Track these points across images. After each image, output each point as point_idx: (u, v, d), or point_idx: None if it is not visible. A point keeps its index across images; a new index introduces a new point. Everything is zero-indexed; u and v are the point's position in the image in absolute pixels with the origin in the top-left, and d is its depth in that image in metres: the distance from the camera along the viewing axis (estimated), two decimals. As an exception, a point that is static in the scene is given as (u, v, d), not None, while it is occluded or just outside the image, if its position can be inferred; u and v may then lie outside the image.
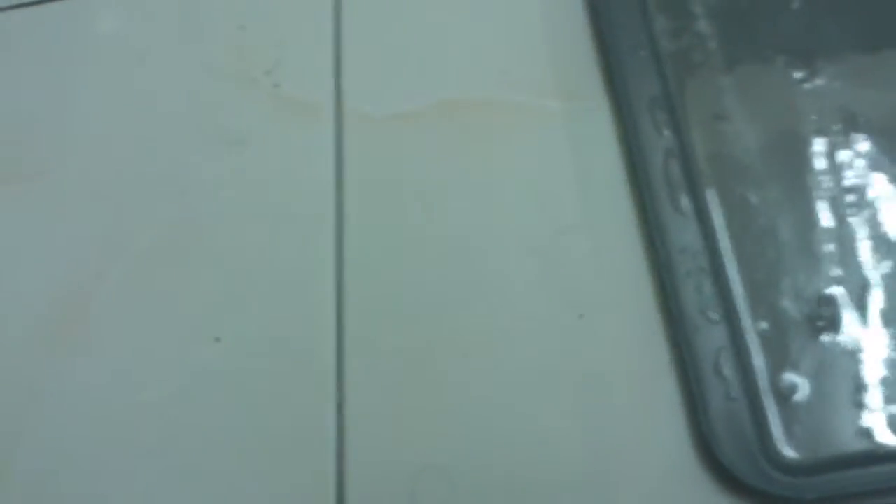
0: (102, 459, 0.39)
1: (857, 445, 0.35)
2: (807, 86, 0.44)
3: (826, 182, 0.41)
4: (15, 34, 0.51)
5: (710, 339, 0.37)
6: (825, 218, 0.40)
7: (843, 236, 0.40)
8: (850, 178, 0.41)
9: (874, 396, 0.36)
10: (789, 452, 0.35)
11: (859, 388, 0.37)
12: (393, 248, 0.42)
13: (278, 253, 0.42)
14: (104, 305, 0.42)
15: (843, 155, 0.41)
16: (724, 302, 0.38)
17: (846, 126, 0.42)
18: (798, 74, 0.44)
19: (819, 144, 0.42)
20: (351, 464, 0.38)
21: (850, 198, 0.40)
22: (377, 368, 0.39)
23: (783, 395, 0.36)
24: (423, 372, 0.39)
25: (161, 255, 0.43)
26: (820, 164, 0.41)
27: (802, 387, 0.37)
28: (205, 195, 0.44)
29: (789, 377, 0.37)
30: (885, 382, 0.36)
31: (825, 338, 0.37)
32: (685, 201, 0.40)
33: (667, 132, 0.42)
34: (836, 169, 0.41)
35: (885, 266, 0.39)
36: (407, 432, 0.38)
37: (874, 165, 0.41)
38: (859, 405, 0.36)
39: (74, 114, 0.48)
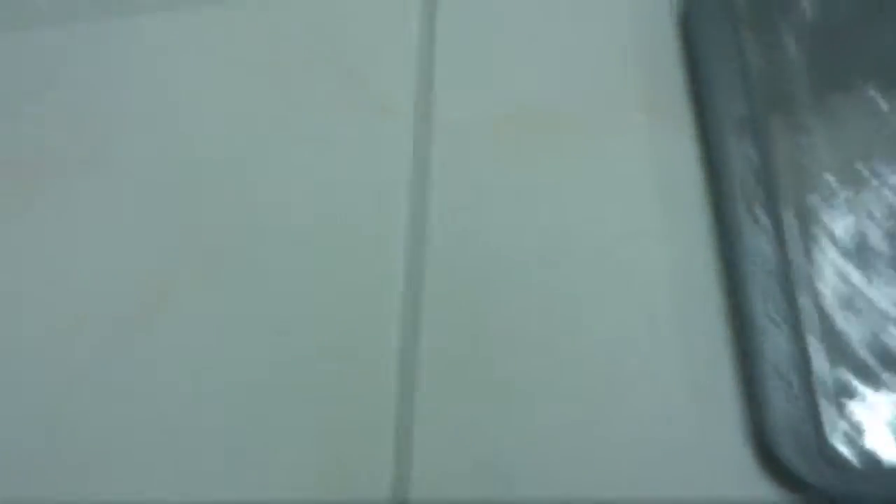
0: (172, 446, 0.41)
1: (915, 451, 0.37)
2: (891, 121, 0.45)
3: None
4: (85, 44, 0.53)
5: (776, 341, 0.39)
6: (889, 239, 0.41)
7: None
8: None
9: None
10: (845, 454, 0.37)
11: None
12: (469, 252, 0.44)
13: (351, 252, 0.44)
14: (177, 298, 0.44)
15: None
16: (793, 310, 0.39)
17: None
18: (885, 102, 0.45)
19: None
20: (415, 457, 0.39)
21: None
22: (446, 364, 0.41)
23: (843, 402, 0.38)
24: (492, 374, 0.41)
25: (233, 250, 0.45)
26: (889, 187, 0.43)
27: (861, 395, 0.38)
28: (280, 192, 0.46)
29: (850, 384, 0.38)
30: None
31: (887, 351, 0.39)
32: (761, 214, 0.42)
33: (751, 151, 0.44)
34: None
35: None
36: (470, 432, 0.40)
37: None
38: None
39: (149, 107, 0.50)
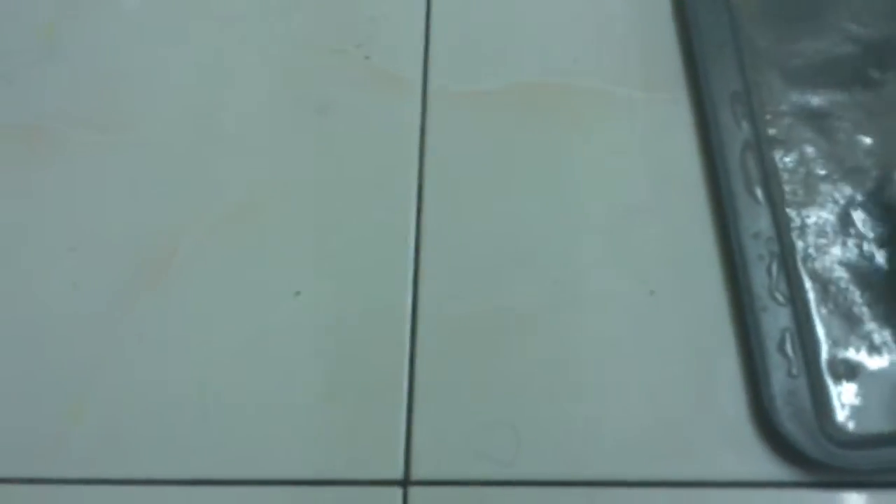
0: (181, 407, 0.41)
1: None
2: (883, 89, 0.46)
3: (892, 181, 0.43)
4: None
5: (777, 319, 0.40)
6: (887, 215, 0.43)
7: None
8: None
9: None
10: (845, 427, 0.38)
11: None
12: (469, 220, 0.44)
13: (359, 215, 0.45)
14: (187, 257, 0.44)
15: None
16: (791, 285, 0.40)
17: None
18: (875, 73, 0.46)
19: (883, 147, 0.44)
20: (421, 417, 0.40)
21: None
22: (451, 328, 0.42)
23: (841, 374, 0.39)
24: (494, 334, 0.41)
25: (246, 213, 0.45)
26: (885, 163, 0.44)
27: (859, 368, 0.39)
28: (290, 157, 0.46)
29: (847, 359, 0.39)
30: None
31: (882, 322, 0.40)
32: (759, 190, 0.43)
33: (745, 125, 0.45)
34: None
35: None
36: (477, 389, 0.40)
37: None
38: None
39: (164, 74, 0.50)
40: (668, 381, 0.40)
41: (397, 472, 0.39)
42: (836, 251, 0.42)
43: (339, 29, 0.50)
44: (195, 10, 0.52)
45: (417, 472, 0.39)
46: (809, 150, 0.45)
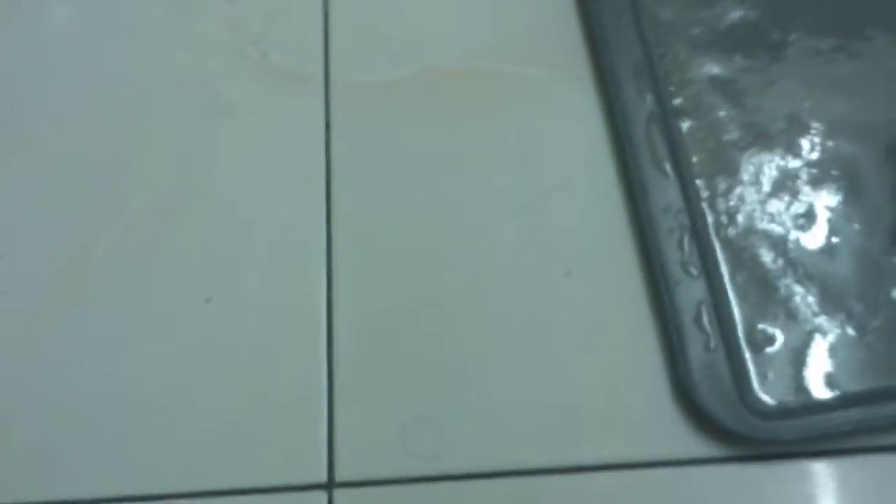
0: (100, 418, 0.39)
1: (829, 391, 0.37)
2: (785, 51, 0.45)
3: (799, 145, 0.43)
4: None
5: (691, 292, 0.39)
6: (799, 183, 0.42)
7: (817, 200, 0.42)
8: (816, 143, 0.43)
9: (844, 345, 0.38)
10: (765, 398, 0.37)
11: (830, 337, 0.38)
12: (381, 211, 0.43)
13: (269, 218, 0.43)
14: (100, 268, 0.43)
15: (815, 119, 0.43)
16: (704, 257, 0.40)
17: (818, 95, 0.44)
18: (777, 35, 0.46)
19: (791, 109, 0.44)
20: (342, 418, 0.39)
21: (819, 162, 0.42)
22: (368, 325, 0.41)
23: (759, 345, 0.38)
24: (412, 328, 0.41)
25: (154, 220, 0.44)
26: (794, 125, 0.43)
27: (777, 337, 0.38)
28: (195, 163, 0.45)
29: (765, 328, 0.39)
30: (855, 332, 0.39)
31: (798, 289, 0.39)
32: (667, 163, 0.42)
33: (649, 97, 0.44)
34: (808, 131, 0.43)
35: (856, 224, 0.41)
36: (397, 386, 0.39)
37: (836, 133, 0.43)
38: (830, 354, 0.38)
39: (67, 84, 0.48)
40: (588, 364, 0.39)
41: (321, 476, 0.38)
42: (749, 219, 0.41)
43: (234, 27, 0.49)
44: (85, 18, 0.50)
45: (342, 474, 0.38)
46: (717, 117, 0.44)
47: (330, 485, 0.38)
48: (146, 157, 0.45)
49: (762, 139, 0.43)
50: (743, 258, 0.40)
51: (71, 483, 0.38)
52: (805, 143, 0.43)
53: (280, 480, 0.38)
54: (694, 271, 0.39)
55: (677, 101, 0.44)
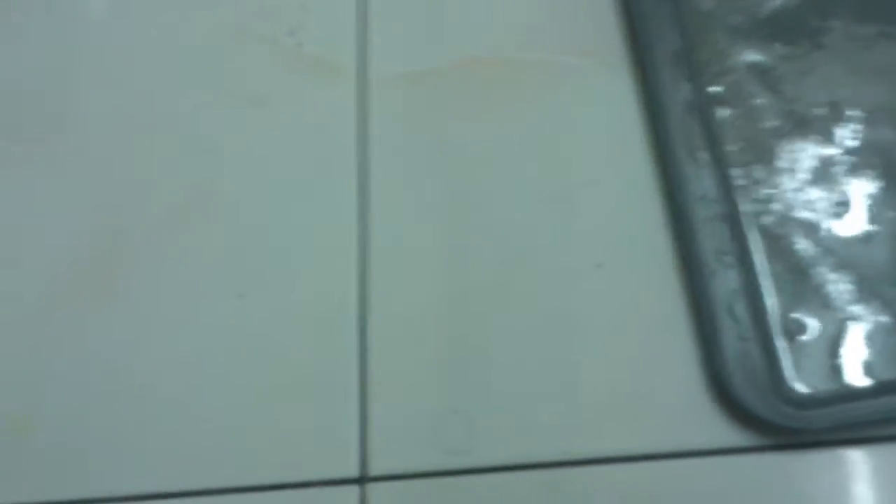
0: (124, 414, 0.40)
1: (863, 379, 0.37)
2: (825, 38, 0.45)
3: (838, 132, 0.43)
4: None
5: (725, 282, 0.39)
6: (837, 171, 0.42)
7: (855, 189, 0.41)
8: (855, 130, 0.43)
9: (879, 334, 0.38)
10: (799, 387, 0.37)
11: (865, 326, 0.38)
12: (417, 202, 0.44)
13: (301, 210, 0.44)
14: (128, 263, 0.43)
15: (854, 107, 0.43)
16: (739, 247, 0.40)
17: (858, 82, 0.44)
18: (816, 22, 0.45)
19: (830, 97, 0.43)
20: (374, 413, 0.39)
21: (857, 150, 0.42)
22: (399, 318, 0.41)
23: (793, 334, 0.38)
24: (443, 321, 0.41)
25: (184, 213, 0.44)
26: (833, 113, 0.43)
27: (811, 326, 0.38)
28: (228, 154, 0.45)
29: (799, 317, 0.39)
30: (891, 320, 0.39)
31: (833, 277, 0.39)
32: (703, 152, 0.42)
33: (686, 85, 0.44)
34: (847, 119, 0.43)
35: (892, 210, 0.40)
36: (429, 380, 0.40)
37: (875, 120, 0.43)
38: (865, 342, 0.38)
39: (96, 74, 0.48)
40: (622, 355, 0.40)
41: (353, 470, 0.38)
42: (785, 207, 0.41)
43: (269, 18, 0.49)
44: (113, 7, 0.51)
45: (374, 469, 0.38)
46: (755, 105, 0.44)
47: (363, 479, 0.38)
48: (177, 151, 0.46)
49: (800, 127, 0.43)
50: (779, 247, 0.40)
51: (102, 480, 0.39)
52: (843, 131, 0.43)
53: (313, 475, 0.38)
54: (729, 261, 0.39)
55: (715, 89, 0.44)
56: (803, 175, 0.42)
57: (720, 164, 0.42)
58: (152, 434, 0.40)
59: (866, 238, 0.40)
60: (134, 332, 0.42)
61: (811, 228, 0.41)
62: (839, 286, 0.39)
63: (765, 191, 0.41)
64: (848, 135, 0.42)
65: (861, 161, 0.42)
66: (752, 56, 0.45)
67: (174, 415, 0.40)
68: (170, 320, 0.42)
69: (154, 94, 0.47)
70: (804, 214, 0.41)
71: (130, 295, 0.42)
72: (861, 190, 0.41)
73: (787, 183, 0.42)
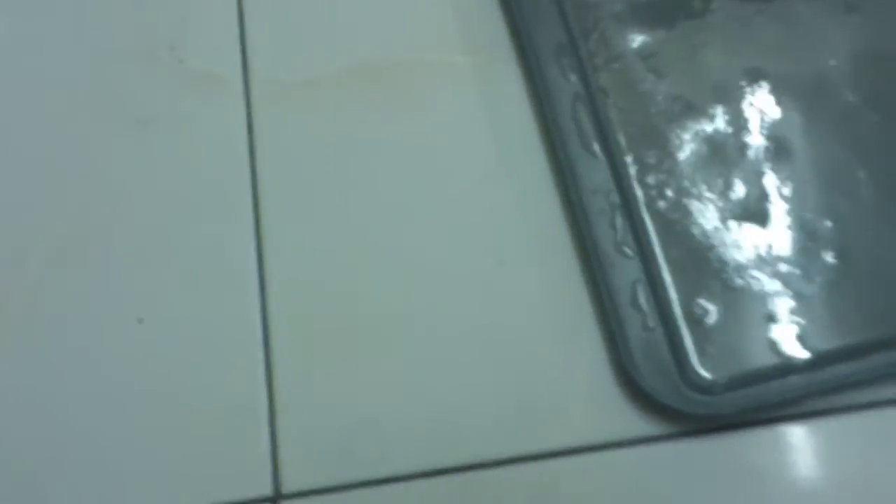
0: (26, 448, 0.39)
1: (768, 360, 0.37)
2: (707, 15, 0.45)
3: (725, 112, 0.43)
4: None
5: (626, 272, 0.39)
6: (728, 150, 0.42)
7: (746, 166, 0.42)
8: (742, 108, 0.43)
9: (781, 313, 0.38)
10: (706, 373, 0.37)
11: (766, 306, 0.39)
12: (311, 212, 0.43)
13: (197, 229, 0.42)
14: (24, 293, 0.41)
15: (739, 85, 0.43)
16: (637, 236, 0.40)
17: (742, 61, 0.44)
18: (698, 3, 0.46)
19: (715, 77, 0.43)
20: (284, 429, 0.38)
21: (746, 127, 0.42)
22: (303, 333, 0.40)
23: (697, 321, 0.38)
24: (348, 332, 0.40)
25: (78, 239, 0.42)
26: (719, 93, 0.43)
27: (714, 311, 0.38)
28: (120, 176, 0.44)
29: (701, 303, 0.39)
30: (791, 299, 0.39)
31: (732, 259, 0.39)
32: (595, 143, 0.42)
33: (573, 77, 0.43)
34: (733, 97, 0.43)
35: (787, 188, 0.41)
36: (336, 392, 0.39)
37: (761, 97, 0.43)
38: (768, 322, 0.38)
39: None
40: (528, 352, 0.39)
41: (266, 489, 0.38)
42: (678, 192, 0.41)
43: (149, 34, 0.47)
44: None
45: (288, 485, 0.38)
46: (642, 92, 0.44)
47: (277, 498, 0.37)
48: (68, 178, 0.44)
49: (688, 110, 0.43)
50: (675, 232, 0.40)
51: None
52: (731, 110, 0.43)
53: (227, 497, 0.38)
54: (628, 251, 0.39)
55: (602, 79, 0.44)
56: (694, 158, 0.42)
57: (613, 154, 0.42)
58: (57, 467, 0.38)
59: (761, 216, 0.40)
60: (34, 363, 0.40)
61: (705, 211, 0.41)
62: (738, 268, 0.39)
63: (658, 177, 0.41)
64: (735, 114, 0.43)
65: (749, 140, 0.42)
66: (637, 42, 0.45)
67: (80, 446, 0.39)
68: (70, 347, 0.40)
69: (38, 118, 0.46)
70: (697, 197, 0.41)
71: (29, 326, 0.41)
72: (752, 168, 0.41)
73: (679, 167, 0.42)
